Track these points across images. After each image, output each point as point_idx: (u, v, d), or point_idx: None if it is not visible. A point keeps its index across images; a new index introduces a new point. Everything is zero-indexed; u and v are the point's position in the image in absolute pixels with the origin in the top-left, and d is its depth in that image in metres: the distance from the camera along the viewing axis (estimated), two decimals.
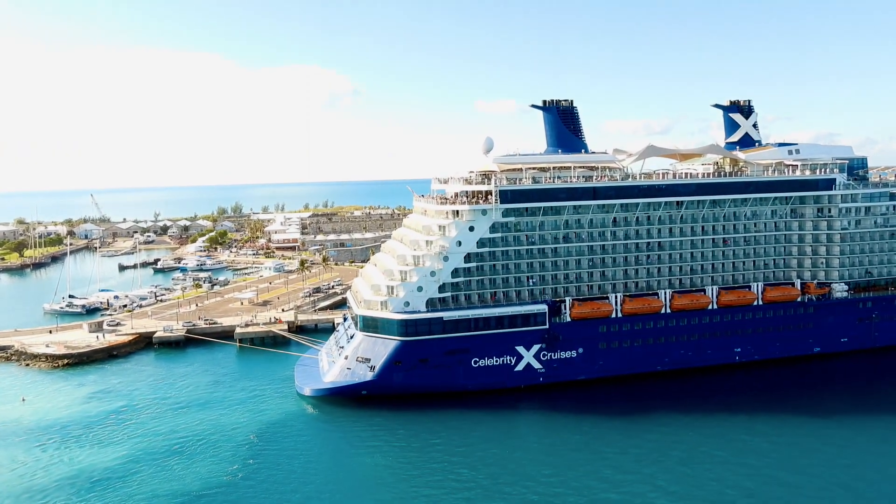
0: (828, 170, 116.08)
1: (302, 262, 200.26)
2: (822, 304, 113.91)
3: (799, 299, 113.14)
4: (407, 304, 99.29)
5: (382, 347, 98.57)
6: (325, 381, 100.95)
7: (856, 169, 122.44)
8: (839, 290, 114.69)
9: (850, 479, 71.99)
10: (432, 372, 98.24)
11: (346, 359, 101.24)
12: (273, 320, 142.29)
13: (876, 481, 71.85)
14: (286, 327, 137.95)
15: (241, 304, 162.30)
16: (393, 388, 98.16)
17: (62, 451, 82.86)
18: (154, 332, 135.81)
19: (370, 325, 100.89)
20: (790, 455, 78.43)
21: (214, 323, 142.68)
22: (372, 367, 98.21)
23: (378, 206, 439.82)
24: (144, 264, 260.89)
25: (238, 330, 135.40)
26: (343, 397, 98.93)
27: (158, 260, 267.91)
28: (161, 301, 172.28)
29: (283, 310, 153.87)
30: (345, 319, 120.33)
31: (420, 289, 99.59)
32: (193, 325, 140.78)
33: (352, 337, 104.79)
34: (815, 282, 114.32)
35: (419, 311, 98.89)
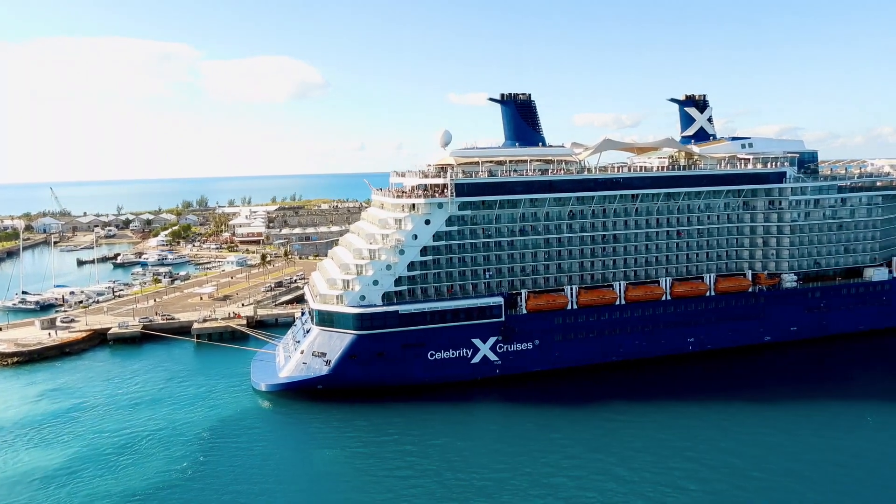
0: (779, 163, 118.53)
1: (263, 257, 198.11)
2: (773, 295, 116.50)
3: (750, 290, 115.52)
4: (363, 297, 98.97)
5: (338, 341, 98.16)
6: (281, 376, 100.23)
7: (807, 162, 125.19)
8: (789, 280, 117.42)
9: (799, 466, 73.89)
10: (388, 365, 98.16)
11: (301, 353, 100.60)
12: (232, 315, 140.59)
13: (821, 464, 74.06)
14: (245, 322, 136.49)
15: (201, 299, 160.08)
16: (349, 383, 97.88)
17: (6, 453, 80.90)
18: (109, 329, 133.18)
19: (326, 320, 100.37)
20: (742, 442, 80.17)
21: (172, 318, 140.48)
22: (328, 362, 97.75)
23: (346, 199, 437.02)
24: (104, 259, 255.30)
25: (195, 325, 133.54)
26: (299, 392, 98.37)
27: (119, 255, 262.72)
28: (119, 297, 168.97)
29: (242, 304, 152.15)
30: (302, 314, 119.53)
31: (376, 282, 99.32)
32: (150, 320, 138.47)
33: (308, 331, 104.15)
34: (766, 272, 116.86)
35: (375, 305, 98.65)
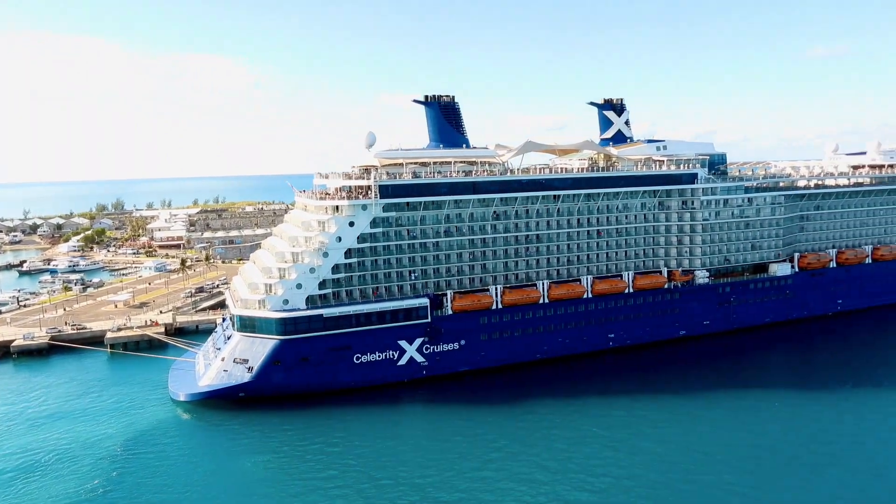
0: (691, 165, 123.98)
1: (182, 261, 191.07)
2: (687, 290, 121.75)
3: (666, 286, 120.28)
4: (286, 301, 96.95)
5: (261, 347, 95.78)
6: (201, 384, 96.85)
7: (717, 164, 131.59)
8: (701, 276, 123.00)
9: (715, 449, 78.14)
10: (313, 370, 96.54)
11: (222, 360, 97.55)
12: (149, 323, 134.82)
13: (736, 447, 78.20)
14: (163, 330, 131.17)
15: (115, 306, 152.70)
16: (273, 389, 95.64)
17: None
18: (12, 341, 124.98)
19: (248, 325, 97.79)
20: (661, 430, 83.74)
21: (83, 328, 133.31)
22: (250, 368, 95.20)
23: (273, 201, 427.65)
24: (9, 266, 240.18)
25: (109, 335, 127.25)
26: (220, 401, 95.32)
27: (25, 261, 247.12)
28: (24, 306, 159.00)
29: (160, 312, 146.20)
30: (223, 320, 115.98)
31: (299, 286, 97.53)
32: (59, 330, 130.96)
33: (229, 338, 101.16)
34: (681, 269, 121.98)
35: (299, 309, 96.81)
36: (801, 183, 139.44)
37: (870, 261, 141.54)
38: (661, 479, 71.05)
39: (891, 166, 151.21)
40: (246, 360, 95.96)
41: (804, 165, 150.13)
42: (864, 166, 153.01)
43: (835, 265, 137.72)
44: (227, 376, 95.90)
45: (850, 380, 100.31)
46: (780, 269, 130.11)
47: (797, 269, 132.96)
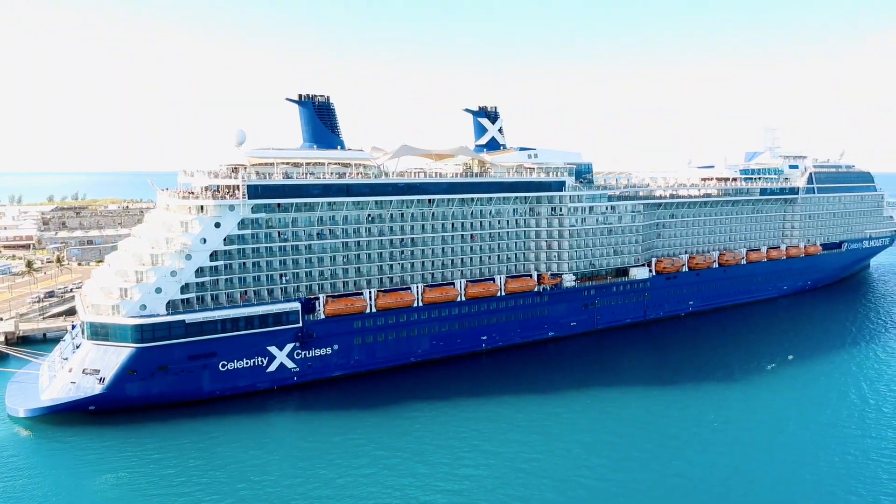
0: (559, 173, 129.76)
1: (28, 263, 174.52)
2: (555, 293, 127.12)
3: (536, 289, 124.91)
4: (143, 307, 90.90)
5: (114, 356, 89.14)
6: (44, 398, 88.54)
7: (583, 173, 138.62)
8: (568, 280, 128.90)
9: (577, 449, 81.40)
10: (173, 379, 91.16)
11: (70, 372, 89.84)
12: None
13: (595, 445, 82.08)
14: (3, 339, 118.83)
15: None
16: (128, 401, 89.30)
17: None
18: None
19: (100, 333, 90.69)
20: (529, 431, 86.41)
21: None
22: (102, 380, 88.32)
23: (140, 199, 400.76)
24: None
25: None
26: (68, 416, 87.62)
27: None
28: None
29: (1, 319, 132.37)
30: (73, 327, 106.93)
31: (159, 290, 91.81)
32: None
33: (78, 347, 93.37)
34: (549, 273, 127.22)
35: (158, 315, 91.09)
36: (659, 193, 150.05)
37: (717, 265, 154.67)
38: (528, 482, 73.14)
39: (734, 179, 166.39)
40: (97, 371, 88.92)
41: (661, 176, 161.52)
42: (712, 179, 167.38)
43: (687, 269, 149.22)
44: (76, 388, 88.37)
45: (696, 375, 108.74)
46: (639, 273, 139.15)
47: (654, 273, 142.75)
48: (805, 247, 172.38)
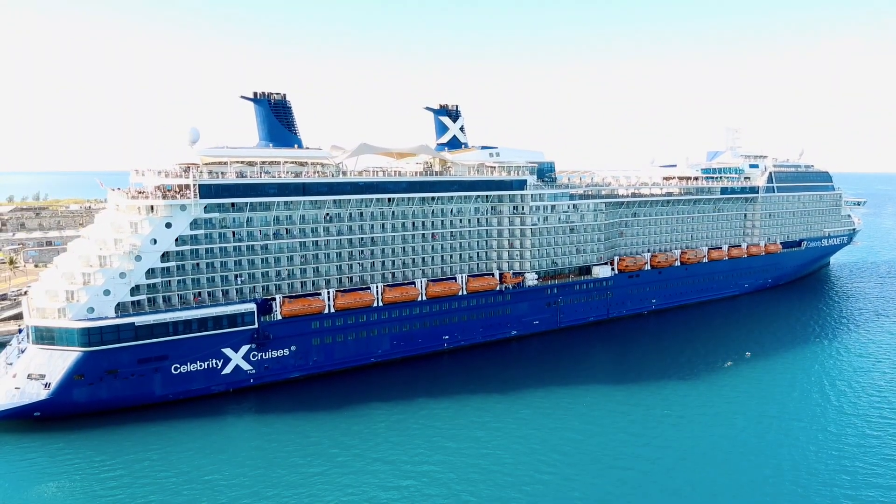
0: (521, 172, 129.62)
1: None
2: (517, 292, 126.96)
3: (498, 288, 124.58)
4: (91, 309, 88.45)
5: (60, 361, 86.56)
6: None
7: (546, 172, 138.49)
8: (531, 278, 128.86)
9: (538, 447, 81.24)
10: (123, 384, 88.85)
11: (14, 377, 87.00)
12: None
13: (557, 443, 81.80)
14: None
15: None
16: (75, 406, 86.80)
17: None
18: None
19: (45, 336, 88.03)
20: (491, 430, 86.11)
21: None
22: (47, 385, 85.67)
23: (104, 199, 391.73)
24: None
25: None
26: (10, 423, 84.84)
27: None
28: None
29: None
30: (20, 332, 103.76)
31: (107, 292, 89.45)
32: None
33: (23, 351, 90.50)
34: (511, 272, 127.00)
35: (106, 318, 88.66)
36: (621, 192, 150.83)
37: (679, 264, 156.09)
38: (491, 479, 72.94)
39: (696, 178, 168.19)
40: (43, 376, 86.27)
41: (624, 175, 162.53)
42: (674, 178, 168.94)
43: (649, 268, 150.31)
44: (19, 394, 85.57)
45: (657, 373, 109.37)
46: (602, 272, 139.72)
47: (616, 272, 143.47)
48: (765, 245, 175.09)
